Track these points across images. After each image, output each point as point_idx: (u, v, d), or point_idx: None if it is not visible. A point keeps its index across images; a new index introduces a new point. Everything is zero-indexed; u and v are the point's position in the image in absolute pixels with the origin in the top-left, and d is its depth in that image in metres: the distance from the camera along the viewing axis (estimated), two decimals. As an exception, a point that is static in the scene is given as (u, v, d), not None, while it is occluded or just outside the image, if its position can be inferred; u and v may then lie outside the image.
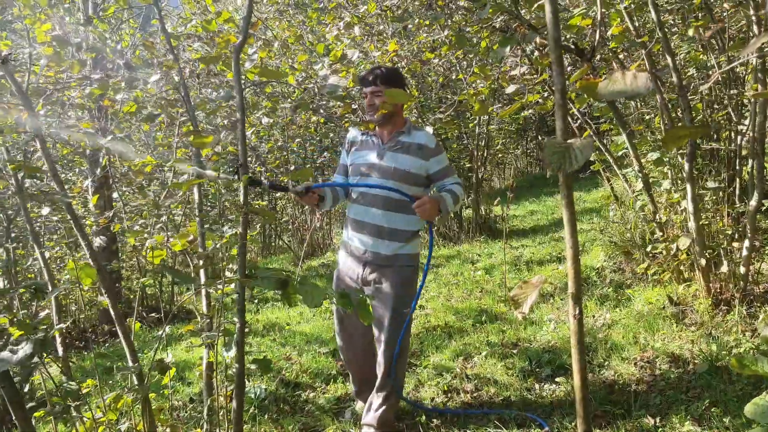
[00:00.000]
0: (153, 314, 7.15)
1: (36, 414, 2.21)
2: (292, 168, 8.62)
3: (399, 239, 3.16)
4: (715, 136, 4.49)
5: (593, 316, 4.53)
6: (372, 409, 3.32)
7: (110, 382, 5.24)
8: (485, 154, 8.03)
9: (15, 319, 1.98)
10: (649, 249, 4.64)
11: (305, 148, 9.15)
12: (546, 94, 5.41)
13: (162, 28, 3.20)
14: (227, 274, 2.57)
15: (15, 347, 1.93)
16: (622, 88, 1.25)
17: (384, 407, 3.29)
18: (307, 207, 9.67)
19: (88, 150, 6.14)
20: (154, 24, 7.41)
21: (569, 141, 1.34)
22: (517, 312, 1.44)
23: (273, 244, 10.11)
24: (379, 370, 3.27)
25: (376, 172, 3.15)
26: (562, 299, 4.96)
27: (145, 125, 7.11)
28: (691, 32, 3.67)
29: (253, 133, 7.47)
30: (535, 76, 5.15)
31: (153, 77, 3.52)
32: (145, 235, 2.96)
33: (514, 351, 4.22)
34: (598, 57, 5.56)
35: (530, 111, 6.85)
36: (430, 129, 4.42)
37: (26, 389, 2.05)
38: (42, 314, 2.76)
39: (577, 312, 1.39)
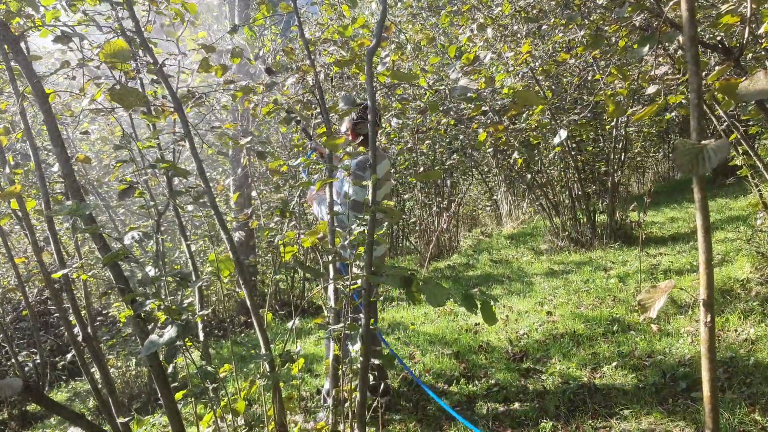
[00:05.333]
0: (285, 308, 7.49)
1: (177, 395, 2.38)
2: (421, 169, 8.69)
3: None
4: None
5: (735, 331, 4.21)
6: None
7: (244, 370, 5.55)
8: (622, 158, 7.67)
9: (163, 305, 2.16)
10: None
11: (435, 150, 9.20)
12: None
13: (301, 34, 3.35)
14: (354, 270, 2.64)
15: (162, 330, 2.11)
16: (763, 87, 1.16)
17: None
18: (435, 208, 9.72)
19: (230, 150, 6.54)
20: (294, 30, 7.75)
21: (703, 142, 1.26)
22: (644, 316, 1.37)
23: (400, 245, 10.25)
24: None
25: None
26: (702, 312, 4.65)
27: (282, 127, 7.45)
28: None
29: (383, 135, 7.60)
30: (678, 76, 4.86)
31: (289, 80, 3.69)
32: (276, 233, 3.11)
33: (647, 363, 4.01)
34: (749, 56, 5.14)
35: (673, 113, 6.47)
36: (564, 132, 4.28)
37: (170, 370, 2.21)
38: (186, 302, 2.97)
39: (709, 319, 1.31)
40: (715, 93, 3.84)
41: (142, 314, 2.14)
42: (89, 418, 2.38)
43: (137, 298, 2.09)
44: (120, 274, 2.16)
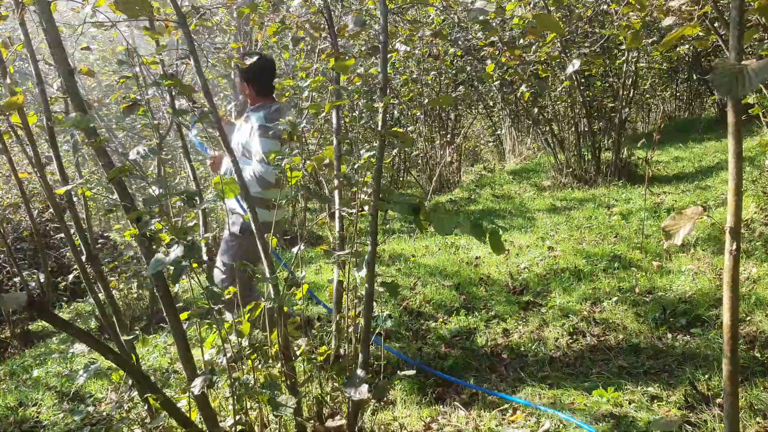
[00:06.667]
0: (284, 237, 7.50)
1: (182, 316, 2.38)
2: (426, 101, 8.55)
3: None
4: None
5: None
6: None
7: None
8: (631, 94, 7.53)
9: (168, 226, 2.12)
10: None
11: (440, 81, 9.02)
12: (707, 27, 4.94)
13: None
14: (361, 197, 2.61)
15: (168, 250, 2.08)
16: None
17: None
18: (438, 142, 9.62)
19: (233, 73, 6.40)
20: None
21: (744, 62, 1.20)
22: (668, 243, 1.35)
23: (402, 178, 10.17)
24: None
25: None
26: (703, 250, 4.65)
27: (285, 53, 7.28)
28: None
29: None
30: (695, 8, 4.71)
31: (296, 0, 3.55)
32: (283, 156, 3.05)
33: (647, 299, 4.03)
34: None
35: (686, 47, 6.30)
36: (577, 62, 4.15)
37: (175, 289, 2.20)
38: (190, 224, 2.94)
39: (734, 248, 1.29)
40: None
41: (148, 233, 2.11)
42: (94, 335, 2.38)
43: (142, 216, 2.06)
44: (125, 190, 2.12)
